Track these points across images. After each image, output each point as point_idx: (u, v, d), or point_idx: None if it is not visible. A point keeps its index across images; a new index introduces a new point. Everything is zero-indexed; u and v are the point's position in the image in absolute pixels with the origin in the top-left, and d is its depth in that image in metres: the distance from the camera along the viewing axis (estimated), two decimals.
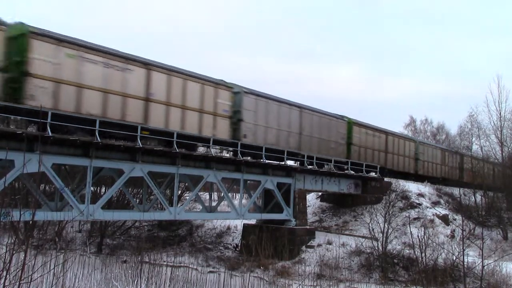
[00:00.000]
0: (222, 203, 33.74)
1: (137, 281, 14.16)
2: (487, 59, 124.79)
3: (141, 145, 21.42)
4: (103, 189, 33.46)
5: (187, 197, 32.44)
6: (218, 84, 26.18)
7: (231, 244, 33.22)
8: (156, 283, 16.21)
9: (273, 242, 28.90)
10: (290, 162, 31.63)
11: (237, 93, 27.44)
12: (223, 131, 26.02)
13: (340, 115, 36.37)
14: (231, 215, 28.29)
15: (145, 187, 26.42)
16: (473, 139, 48.88)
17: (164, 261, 25.48)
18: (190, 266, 27.51)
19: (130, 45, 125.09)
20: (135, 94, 21.63)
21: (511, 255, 30.48)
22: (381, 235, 26.86)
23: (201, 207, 29.69)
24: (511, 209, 41.04)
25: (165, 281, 17.38)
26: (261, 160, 28.24)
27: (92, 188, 22.54)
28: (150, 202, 27.79)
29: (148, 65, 22.48)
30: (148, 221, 35.49)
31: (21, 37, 18.13)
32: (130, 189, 32.28)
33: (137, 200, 30.72)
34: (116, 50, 21.46)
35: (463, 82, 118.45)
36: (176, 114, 23.32)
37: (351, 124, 36.73)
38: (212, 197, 32.39)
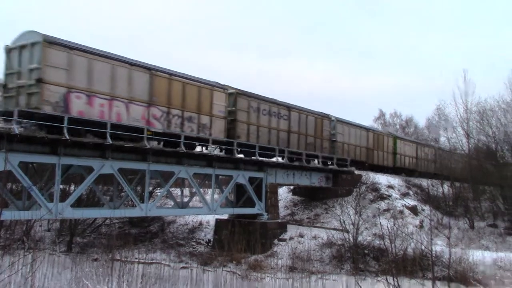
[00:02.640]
0: (194, 198, 33.60)
1: (108, 279, 14.04)
2: (455, 54, 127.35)
3: (110, 142, 21.21)
4: (72, 187, 32.94)
5: (159, 194, 32.20)
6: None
7: (203, 240, 33.09)
8: (127, 281, 16.08)
9: (246, 236, 28.96)
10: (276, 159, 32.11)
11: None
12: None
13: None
14: (203, 211, 28.18)
15: (116, 184, 26.06)
16: (441, 131, 50.18)
17: (136, 258, 25.30)
18: (162, 262, 27.42)
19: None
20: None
21: (477, 243, 31.42)
22: (352, 227, 27.22)
23: (172, 203, 29.47)
24: (477, 199, 42.21)
25: (137, 278, 17.28)
26: (234, 155, 28.37)
27: (61, 186, 22.12)
28: (121, 199, 27.44)
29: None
30: (119, 219, 35.11)
31: None
32: (100, 186, 31.80)
33: (108, 198, 30.34)
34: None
35: (431, 76, 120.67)
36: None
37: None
38: (184, 193, 32.18)
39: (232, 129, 28.47)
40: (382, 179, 40.46)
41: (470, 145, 45.83)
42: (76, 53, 20.45)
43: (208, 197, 30.31)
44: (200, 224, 35.43)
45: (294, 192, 41.51)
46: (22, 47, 19.91)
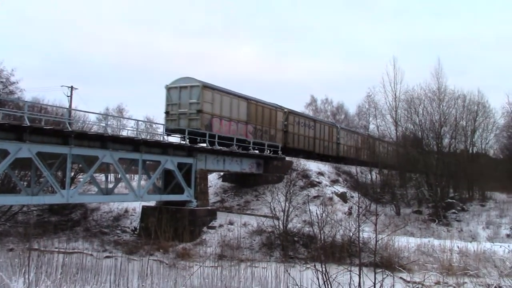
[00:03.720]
0: (120, 184, 32.87)
1: (24, 270, 13.44)
2: (384, 42, 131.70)
3: (28, 123, 20.25)
4: None
5: (81, 179, 31.23)
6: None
7: (129, 228, 32.52)
8: (46, 271, 15.48)
9: (174, 224, 28.94)
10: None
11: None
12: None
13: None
14: (129, 197, 27.70)
15: (34, 169, 24.98)
16: (370, 118, 51.69)
17: (56, 248, 24.44)
18: (85, 251, 26.62)
19: None
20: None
21: (403, 229, 32.82)
22: (282, 214, 27.63)
23: (96, 190, 28.71)
24: (404, 186, 44.06)
25: (56, 269, 16.66)
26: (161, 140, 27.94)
27: None
28: (40, 185, 26.36)
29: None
30: (37, 206, 33.75)
31: None
32: (16, 171, 30.43)
33: (25, 183, 29.05)
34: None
35: (362, 64, 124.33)
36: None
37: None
38: (109, 178, 31.37)
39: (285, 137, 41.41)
40: (313, 166, 41.30)
41: (398, 133, 47.64)
42: (215, 92, 33.50)
43: (134, 183, 29.76)
44: (126, 211, 34.77)
45: (225, 178, 41.62)
46: (182, 87, 32.53)
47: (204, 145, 32.05)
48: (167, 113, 33.14)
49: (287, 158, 39.65)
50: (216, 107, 33.57)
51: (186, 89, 32.66)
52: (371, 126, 52.27)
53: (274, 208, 28.13)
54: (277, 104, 41.58)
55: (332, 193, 37.57)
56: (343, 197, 38.06)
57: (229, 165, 35.10)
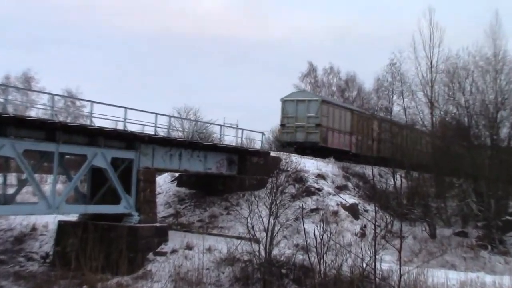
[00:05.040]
0: (25, 189, 32.70)
1: None
2: None
3: None
4: None
5: None
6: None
7: (37, 253, 32.39)
8: None
9: (105, 248, 29.19)
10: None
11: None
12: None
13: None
14: (39, 208, 27.56)
15: None
16: (394, 97, 51.53)
17: None
18: None
19: None
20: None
21: (440, 259, 33.04)
22: (265, 235, 27.70)
23: None
24: (442, 196, 44.02)
25: None
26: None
27: None
28: None
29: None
30: None
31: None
32: None
33: None
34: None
35: (383, 17, 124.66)
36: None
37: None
38: (9, 180, 31.25)
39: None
40: (310, 165, 41.53)
41: (434, 119, 47.69)
42: (330, 105, 48.06)
43: (47, 188, 29.59)
44: (34, 229, 34.76)
45: (181, 182, 41.88)
46: (299, 101, 46.54)
47: (151, 130, 32.08)
48: (283, 125, 47.43)
49: (273, 153, 39.80)
50: (330, 120, 47.13)
51: (304, 102, 46.50)
52: (395, 108, 52.13)
53: (253, 227, 28.10)
54: (369, 111, 53.37)
55: (337, 205, 37.67)
56: (353, 211, 38.19)
57: (188, 163, 35.16)
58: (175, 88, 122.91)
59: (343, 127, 48.71)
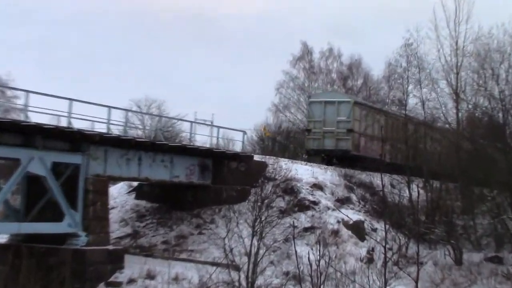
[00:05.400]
0: None
1: None
2: None
3: None
4: None
5: None
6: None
7: None
8: None
9: (43, 277, 28.87)
10: None
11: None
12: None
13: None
14: None
15: None
16: (410, 86, 51.67)
17: None
18: None
19: None
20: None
21: None
22: (247, 260, 27.91)
23: None
24: (470, 212, 44.25)
25: None
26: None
27: None
28: None
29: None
30: None
31: None
32: None
33: None
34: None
35: None
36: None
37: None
38: None
39: None
40: (304, 172, 41.72)
41: (460, 114, 48.13)
42: (363, 108, 51.21)
43: None
44: None
45: (141, 193, 41.96)
46: (328, 102, 50.07)
47: (103, 128, 32.13)
48: (308, 130, 50.43)
49: (257, 158, 39.89)
50: (363, 124, 50.01)
51: (333, 104, 49.43)
52: (411, 101, 52.18)
53: (232, 250, 28.35)
54: (404, 113, 50.59)
55: (338, 222, 37.75)
56: (358, 230, 38.22)
57: (149, 169, 35.22)
58: (134, 76, 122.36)
59: (376, 132, 50.57)
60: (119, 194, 42.01)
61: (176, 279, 30.25)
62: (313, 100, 49.18)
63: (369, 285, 23.67)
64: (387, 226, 37.27)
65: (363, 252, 36.24)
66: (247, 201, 37.59)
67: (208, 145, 40.32)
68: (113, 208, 38.23)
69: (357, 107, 48.40)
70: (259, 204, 30.76)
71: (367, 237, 38.30)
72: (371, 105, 53.14)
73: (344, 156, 48.08)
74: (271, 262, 30.08)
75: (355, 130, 47.76)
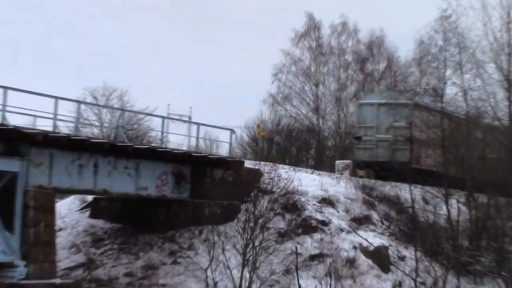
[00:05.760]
0: None
1: None
2: None
3: None
4: None
5: None
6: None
7: None
8: None
9: None
10: None
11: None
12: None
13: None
14: None
15: None
16: (448, 72, 51.37)
17: None
18: None
19: None
20: None
21: None
22: None
23: None
24: None
25: None
26: None
27: None
28: None
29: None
30: None
31: None
32: None
33: None
34: None
35: None
36: None
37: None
38: None
39: None
40: (309, 183, 41.48)
41: None
42: (424, 111, 54.50)
43: None
44: None
45: (97, 210, 41.21)
46: (382, 105, 54.65)
47: (49, 125, 31.64)
48: (358, 138, 53.00)
49: (248, 164, 39.54)
50: (424, 131, 51.26)
51: (388, 107, 51.60)
52: (449, 91, 51.94)
53: (216, 284, 28.07)
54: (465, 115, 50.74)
55: (354, 248, 37.66)
56: (380, 258, 38.06)
57: (109, 179, 34.64)
58: (89, 59, 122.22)
59: (438, 140, 49.54)
60: (69, 212, 41.54)
61: None
62: (365, 102, 50.35)
63: None
64: (419, 254, 37.27)
65: (387, 286, 35.83)
66: (235, 220, 37.03)
67: (185, 148, 39.84)
68: (61, 229, 37.74)
69: (418, 111, 49.44)
70: (251, 224, 30.74)
71: (392, 267, 37.93)
72: (433, 107, 51.58)
73: (402, 169, 47.09)
74: None
75: (415, 138, 48.92)
